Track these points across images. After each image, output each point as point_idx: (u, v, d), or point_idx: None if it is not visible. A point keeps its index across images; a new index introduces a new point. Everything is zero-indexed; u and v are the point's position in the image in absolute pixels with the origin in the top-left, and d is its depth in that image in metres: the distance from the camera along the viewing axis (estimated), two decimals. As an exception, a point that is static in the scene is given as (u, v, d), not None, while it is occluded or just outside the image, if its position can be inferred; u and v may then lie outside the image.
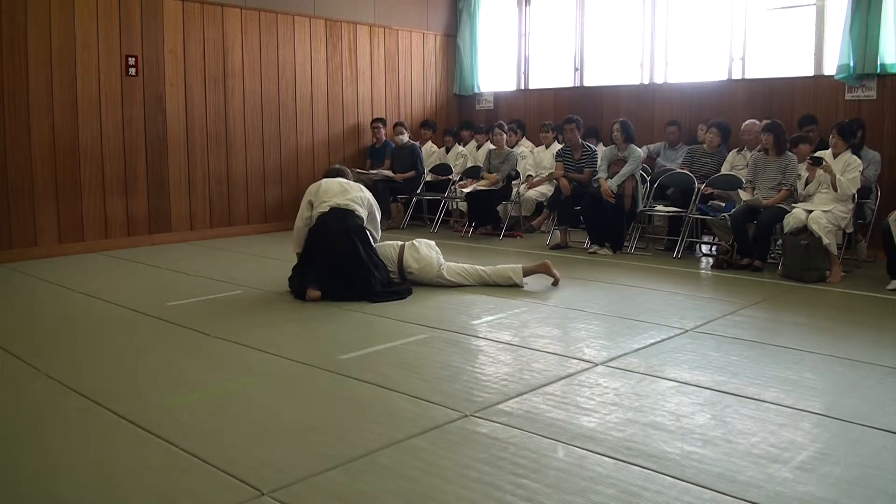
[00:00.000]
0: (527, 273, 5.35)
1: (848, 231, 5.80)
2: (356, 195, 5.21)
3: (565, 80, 9.35)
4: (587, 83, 9.15)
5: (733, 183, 6.48)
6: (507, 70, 9.97)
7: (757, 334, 4.13)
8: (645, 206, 6.97)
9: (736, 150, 6.89)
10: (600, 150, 7.50)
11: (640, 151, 6.94)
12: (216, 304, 4.90)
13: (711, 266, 6.18)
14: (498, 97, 9.87)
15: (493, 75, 10.04)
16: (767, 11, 7.80)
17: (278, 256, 6.33)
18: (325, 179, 5.30)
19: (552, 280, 5.36)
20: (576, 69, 9.26)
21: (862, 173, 5.78)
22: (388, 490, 2.32)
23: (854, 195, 5.70)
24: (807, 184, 5.88)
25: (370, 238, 5.18)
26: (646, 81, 8.58)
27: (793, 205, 5.88)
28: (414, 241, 5.34)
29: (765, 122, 6.39)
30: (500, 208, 8.10)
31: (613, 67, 8.96)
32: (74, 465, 2.52)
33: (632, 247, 6.89)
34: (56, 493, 2.34)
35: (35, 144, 6.52)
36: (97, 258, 6.63)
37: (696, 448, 2.62)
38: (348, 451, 2.59)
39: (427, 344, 3.93)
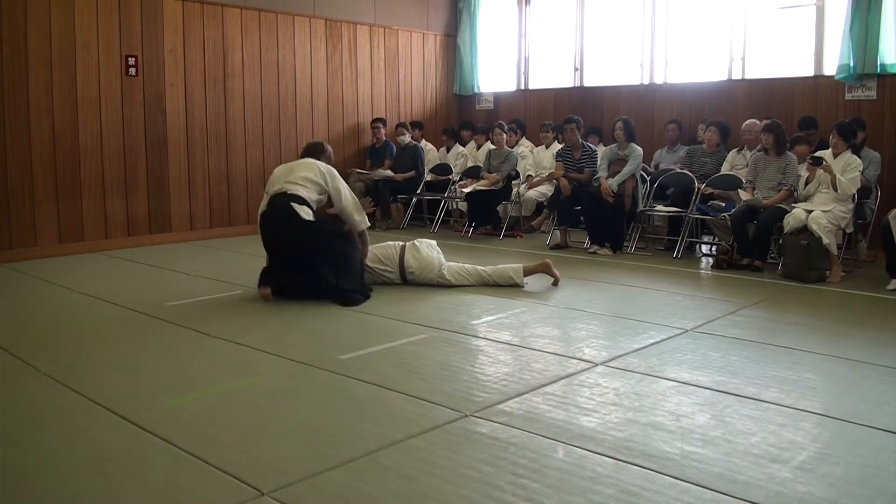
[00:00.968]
0: (527, 273, 5.35)
1: (848, 231, 5.80)
2: (301, 174, 4.88)
3: (565, 80, 9.35)
4: (587, 83, 9.15)
5: (733, 183, 6.48)
6: (507, 70, 9.97)
7: (757, 334, 4.13)
8: (645, 206, 6.98)
9: (736, 149, 6.89)
10: (600, 149, 7.50)
11: (641, 150, 6.94)
12: (216, 304, 4.90)
13: (711, 266, 6.18)
14: (498, 97, 9.87)
15: (493, 75, 10.05)
16: (767, 11, 7.80)
17: (278, 256, 6.32)
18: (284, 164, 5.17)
19: (552, 280, 5.37)
20: (576, 69, 9.26)
21: (862, 173, 5.78)
22: (388, 490, 2.32)
23: (854, 195, 5.70)
24: (807, 184, 5.88)
25: (327, 223, 4.84)
26: (646, 81, 8.58)
27: (793, 205, 5.88)
28: (415, 242, 5.34)
29: (765, 122, 6.39)
30: (500, 208, 8.11)
31: (613, 67, 8.96)
32: (74, 465, 2.52)
33: (632, 247, 6.89)
34: (56, 493, 2.33)
35: (35, 144, 6.52)
36: (97, 258, 6.63)
37: (696, 448, 2.62)
38: (348, 451, 2.59)
39: (427, 344, 3.93)
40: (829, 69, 7.17)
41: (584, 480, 2.38)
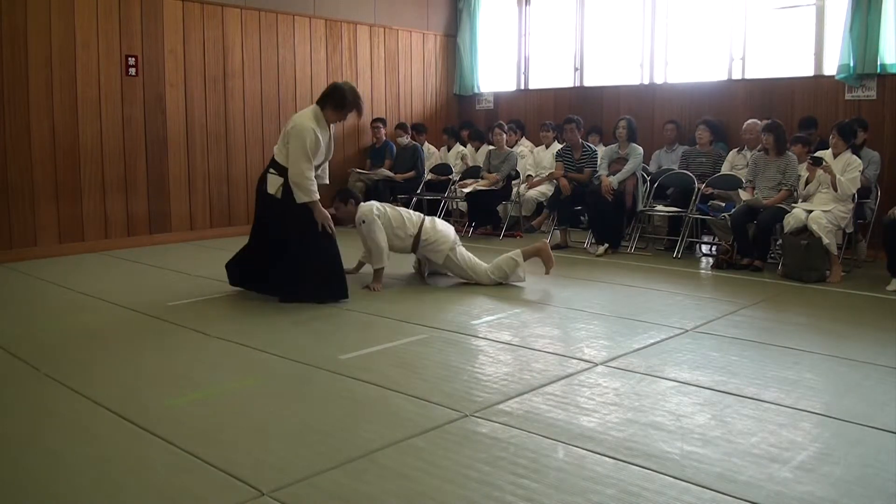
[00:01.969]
0: (526, 256, 5.38)
1: (848, 231, 5.80)
2: (283, 132, 4.54)
3: (565, 80, 9.34)
4: (587, 83, 9.14)
5: (733, 183, 6.48)
6: (507, 70, 9.97)
7: (757, 334, 4.13)
8: (645, 206, 6.98)
9: (736, 149, 6.89)
10: (600, 149, 7.51)
11: (642, 150, 6.94)
12: (216, 304, 4.90)
13: (711, 266, 6.18)
14: (498, 97, 9.87)
15: (493, 75, 10.04)
16: (767, 11, 7.80)
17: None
18: None
19: (545, 268, 5.40)
20: (576, 69, 9.26)
21: (862, 173, 5.78)
22: (388, 490, 2.32)
23: (854, 195, 5.70)
24: (807, 184, 5.87)
25: (296, 206, 4.47)
26: (646, 81, 8.58)
27: (793, 205, 5.88)
28: (435, 218, 5.47)
29: (765, 121, 6.39)
30: (500, 208, 8.11)
31: (613, 67, 8.96)
32: (74, 465, 2.52)
33: (632, 247, 6.89)
34: (56, 492, 2.33)
35: (35, 144, 6.52)
36: (97, 258, 6.63)
37: (696, 448, 2.62)
38: (348, 451, 2.59)
39: (427, 344, 3.93)
40: (829, 69, 7.17)
41: (584, 480, 2.38)
